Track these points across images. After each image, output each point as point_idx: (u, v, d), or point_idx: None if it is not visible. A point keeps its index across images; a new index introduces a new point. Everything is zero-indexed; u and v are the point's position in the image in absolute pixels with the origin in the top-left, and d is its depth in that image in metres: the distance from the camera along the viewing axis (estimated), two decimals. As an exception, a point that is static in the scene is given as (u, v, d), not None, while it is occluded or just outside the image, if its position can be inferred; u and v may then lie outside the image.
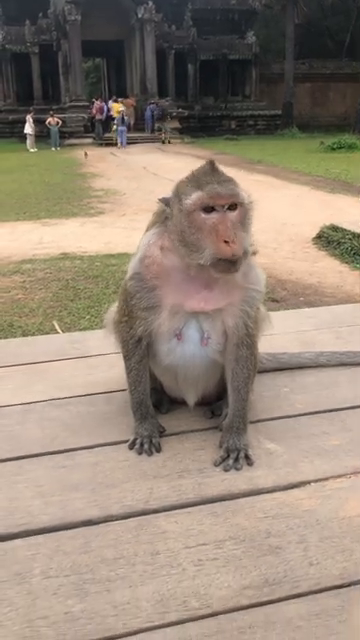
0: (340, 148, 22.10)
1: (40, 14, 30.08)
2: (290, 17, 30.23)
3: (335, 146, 22.29)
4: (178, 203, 1.46)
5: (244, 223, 1.48)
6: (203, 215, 1.43)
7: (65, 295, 6.67)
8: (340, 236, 9.15)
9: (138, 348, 1.67)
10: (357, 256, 8.34)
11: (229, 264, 1.44)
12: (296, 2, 29.67)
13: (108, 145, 27.13)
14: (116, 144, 27.19)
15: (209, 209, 1.43)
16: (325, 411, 1.83)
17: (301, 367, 2.11)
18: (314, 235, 9.64)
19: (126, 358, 1.70)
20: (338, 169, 17.76)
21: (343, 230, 9.32)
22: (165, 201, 1.52)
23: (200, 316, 1.61)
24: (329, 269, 8.03)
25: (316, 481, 1.50)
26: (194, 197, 1.42)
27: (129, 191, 14.66)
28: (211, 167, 1.47)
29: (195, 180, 1.46)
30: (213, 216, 1.43)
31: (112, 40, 31.60)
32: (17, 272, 8.03)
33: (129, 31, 30.47)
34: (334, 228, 9.50)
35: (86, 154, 22.75)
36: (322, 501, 1.42)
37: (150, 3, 29.05)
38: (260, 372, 1.89)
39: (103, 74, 41.25)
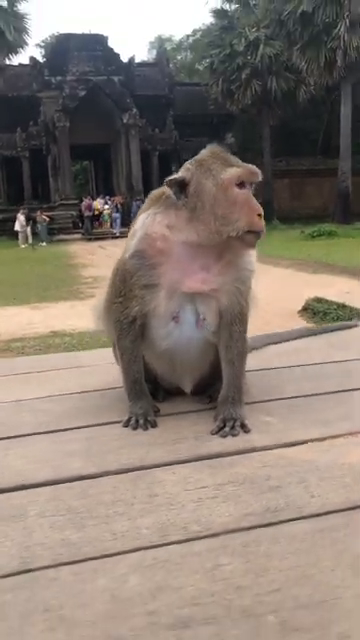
0: (320, 235, 22.90)
1: (31, 122, 31.89)
2: (265, 120, 32.31)
3: (315, 234, 23.09)
4: (210, 178, 1.53)
5: None
6: (237, 190, 1.53)
7: (54, 368, 6.64)
8: (325, 307, 9.32)
9: (132, 328, 1.68)
10: (343, 324, 8.46)
11: (256, 237, 1.55)
12: (270, 106, 31.83)
13: (97, 239, 27.97)
14: (109, 233, 28.44)
15: (241, 185, 1.54)
16: (318, 394, 1.84)
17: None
18: (300, 308, 9.84)
19: (119, 338, 1.71)
20: (319, 253, 18.31)
21: (328, 302, 9.52)
22: (178, 181, 1.55)
23: (196, 298, 1.65)
24: (317, 336, 8.12)
25: (313, 440, 1.48)
26: (233, 172, 1.53)
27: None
28: (225, 150, 1.60)
29: (222, 159, 1.57)
30: (245, 191, 1.54)
31: (99, 144, 33.38)
32: (6, 350, 8.02)
33: (115, 135, 32.25)
34: (319, 300, 9.70)
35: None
36: (320, 454, 1.41)
37: (134, 109, 30.97)
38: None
39: (91, 176, 43.19)
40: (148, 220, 1.63)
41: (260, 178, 1.58)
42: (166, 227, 1.60)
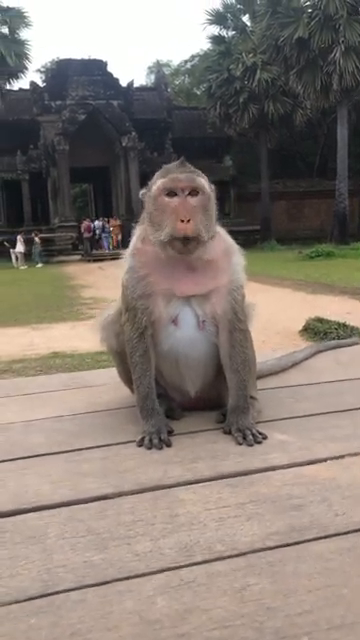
0: (318, 256, 22.95)
1: (31, 145, 32.22)
2: (263, 143, 32.70)
3: (313, 254, 23.14)
4: (148, 191, 1.68)
5: (206, 209, 1.65)
6: (166, 199, 1.62)
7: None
8: (326, 327, 9.31)
9: (141, 342, 1.72)
10: (344, 343, 8.44)
11: (182, 243, 1.60)
12: (267, 130, 32.22)
13: (96, 261, 28.05)
14: (109, 255, 28.78)
15: (172, 194, 1.62)
16: (333, 412, 1.82)
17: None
18: (300, 328, 9.82)
19: (131, 354, 1.74)
20: (318, 274, 18.37)
21: (328, 321, 9.52)
22: (143, 194, 1.72)
23: (193, 302, 1.71)
24: (318, 356, 8.09)
25: (332, 458, 1.47)
26: (158, 183, 1.64)
27: (118, 298, 14.94)
28: (180, 162, 1.69)
29: (164, 170, 1.67)
30: (174, 200, 1.62)
31: (98, 167, 33.68)
32: (7, 371, 7.99)
33: (114, 158, 32.56)
34: (319, 320, 9.70)
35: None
36: (341, 472, 1.39)
37: (133, 133, 31.33)
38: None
39: (90, 198, 43.46)
40: (134, 237, 1.76)
41: (189, 185, 1.62)
42: (141, 241, 1.72)
